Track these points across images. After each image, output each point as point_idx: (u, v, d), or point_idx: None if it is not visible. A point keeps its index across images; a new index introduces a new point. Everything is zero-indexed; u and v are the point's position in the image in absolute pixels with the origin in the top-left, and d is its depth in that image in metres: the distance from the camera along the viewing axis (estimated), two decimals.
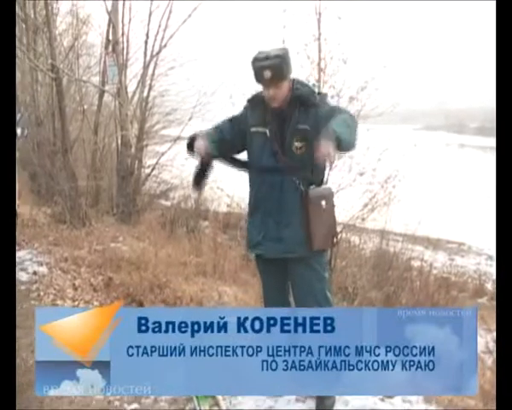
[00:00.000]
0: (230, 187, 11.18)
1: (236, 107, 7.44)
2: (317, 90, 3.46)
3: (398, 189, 7.90)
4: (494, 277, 15.21)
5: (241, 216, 13.43)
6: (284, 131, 3.29)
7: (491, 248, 18.20)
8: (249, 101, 3.47)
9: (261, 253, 3.38)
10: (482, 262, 17.05)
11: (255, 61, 3.24)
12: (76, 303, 5.29)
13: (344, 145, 3.00)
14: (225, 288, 6.26)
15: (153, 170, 11.23)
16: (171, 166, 11.40)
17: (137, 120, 10.67)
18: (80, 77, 11.51)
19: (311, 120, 3.26)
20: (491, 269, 16.20)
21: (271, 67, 3.18)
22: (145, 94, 10.84)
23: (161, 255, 7.15)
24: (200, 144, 3.26)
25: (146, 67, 10.58)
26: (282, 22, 6.62)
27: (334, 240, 3.41)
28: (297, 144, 3.26)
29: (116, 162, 10.56)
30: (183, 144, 10.78)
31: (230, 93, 7.24)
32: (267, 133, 3.30)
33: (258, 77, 3.24)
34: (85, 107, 11.56)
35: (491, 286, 14.32)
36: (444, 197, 21.11)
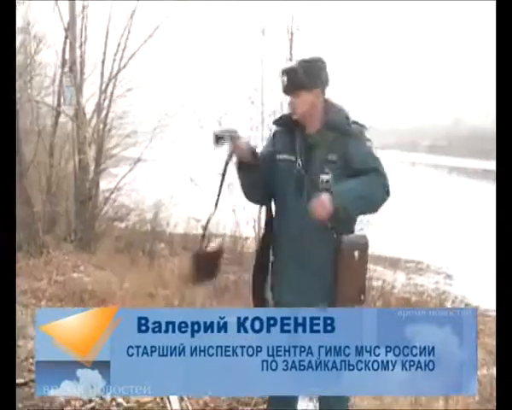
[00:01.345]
0: (190, 208, 10.99)
1: (205, 130, 7.31)
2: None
3: None
4: (453, 296, 15.41)
5: (198, 238, 13.22)
6: (311, 161, 2.95)
7: (449, 266, 18.47)
8: (275, 122, 3.18)
9: (277, 300, 3.06)
10: (441, 281, 17.19)
11: (281, 69, 3.00)
12: None
13: (342, 216, 2.77)
14: None
15: (112, 193, 10.89)
16: (131, 190, 11.08)
17: (96, 143, 10.32)
18: (34, 97, 11.08)
19: (341, 151, 2.91)
20: (451, 288, 16.37)
21: (288, 72, 2.92)
22: (103, 116, 10.52)
23: (126, 287, 6.84)
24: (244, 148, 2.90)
25: (104, 87, 10.26)
26: (253, 43, 6.46)
27: (362, 297, 2.99)
28: (323, 177, 2.90)
29: (73, 186, 10.20)
30: (142, 167, 10.52)
31: (199, 117, 7.01)
32: (293, 162, 2.97)
33: (281, 86, 2.97)
34: (40, 128, 11.12)
35: (450, 305, 14.46)
36: (401, 216, 21.29)
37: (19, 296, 6.11)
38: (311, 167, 2.94)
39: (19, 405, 3.63)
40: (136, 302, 6.08)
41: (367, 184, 2.82)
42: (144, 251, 11.30)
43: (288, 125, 3.07)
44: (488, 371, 7.02)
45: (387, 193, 2.87)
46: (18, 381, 3.81)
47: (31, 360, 4.25)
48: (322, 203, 2.75)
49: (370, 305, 10.21)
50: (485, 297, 14.06)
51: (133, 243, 11.36)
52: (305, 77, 2.92)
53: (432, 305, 13.63)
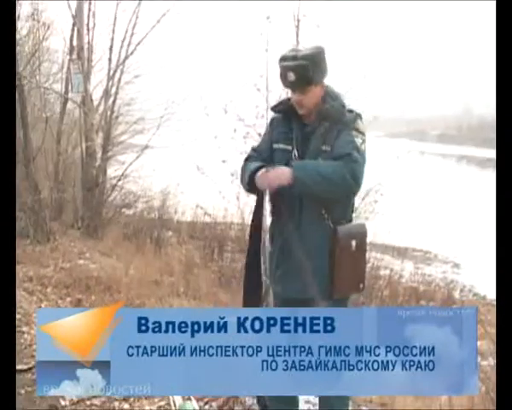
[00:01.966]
0: (197, 196, 10.97)
1: (211, 117, 7.26)
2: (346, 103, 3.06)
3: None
4: (461, 285, 15.34)
5: (205, 226, 13.25)
6: (307, 151, 2.94)
7: (456, 255, 18.37)
8: (273, 108, 3.15)
9: (277, 290, 3.02)
10: (448, 270, 17.14)
11: (281, 60, 2.90)
12: None
13: (299, 189, 2.84)
14: None
15: (119, 181, 10.87)
16: (139, 177, 11.05)
17: (103, 130, 10.28)
18: (42, 84, 11.05)
19: (332, 140, 2.90)
20: (458, 277, 16.31)
21: (295, 69, 2.84)
22: (110, 103, 10.47)
23: (131, 274, 6.83)
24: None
25: (112, 74, 10.22)
26: (258, 29, 6.37)
27: (361, 286, 3.03)
28: None
29: (81, 173, 10.18)
30: (149, 154, 10.49)
31: (205, 104, 6.95)
32: (289, 151, 2.97)
33: (283, 79, 2.91)
34: (48, 115, 11.09)
35: (458, 295, 14.38)
36: (408, 205, 21.23)
37: (25, 283, 6.13)
38: (306, 157, 2.93)
39: (21, 391, 3.64)
40: (141, 289, 6.07)
41: (331, 166, 2.83)
42: (152, 238, 11.31)
43: (286, 112, 3.04)
44: (494, 361, 7.01)
45: (355, 180, 2.86)
46: (21, 367, 3.84)
47: (34, 347, 4.22)
48: (279, 172, 2.83)
49: (377, 294, 10.20)
50: (493, 287, 14.02)
51: (141, 230, 11.37)
52: (313, 73, 2.88)
53: (440, 294, 13.59)
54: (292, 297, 2.99)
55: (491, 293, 13.95)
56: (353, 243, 2.93)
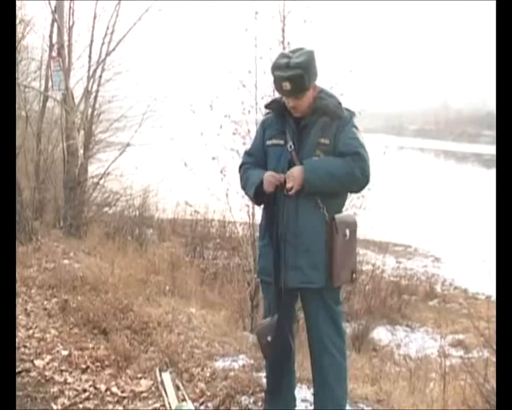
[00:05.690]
0: (181, 193, 10.91)
1: (197, 114, 7.17)
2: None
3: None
4: (442, 279, 15.48)
5: (186, 222, 13.20)
6: (303, 143, 3.02)
7: (437, 249, 18.52)
8: (267, 106, 3.28)
9: (275, 281, 3.04)
10: (429, 264, 17.27)
11: (275, 69, 2.97)
12: (31, 332, 4.73)
13: (307, 189, 2.93)
14: (191, 309, 5.88)
15: (101, 179, 10.74)
16: (121, 175, 10.92)
17: (84, 128, 10.14)
18: (21, 81, 10.86)
19: (331, 134, 2.99)
20: (439, 271, 16.44)
21: (291, 79, 2.91)
22: (91, 100, 10.33)
23: (117, 273, 6.74)
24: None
25: (92, 71, 10.08)
26: (243, 25, 6.31)
27: (354, 276, 3.08)
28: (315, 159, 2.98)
29: (62, 172, 10.03)
30: (131, 152, 10.30)
31: (190, 101, 6.88)
32: (283, 145, 3.05)
33: (278, 87, 3.00)
34: (28, 113, 10.90)
35: (440, 288, 14.52)
36: (388, 200, 21.33)
37: None
38: (303, 150, 3.01)
39: None
40: (128, 290, 5.98)
41: (340, 165, 2.93)
42: (133, 236, 11.24)
43: (279, 111, 3.13)
44: (479, 353, 7.07)
45: (365, 176, 2.96)
46: None
47: (22, 350, 4.09)
48: (294, 174, 2.92)
49: (361, 288, 10.23)
50: (473, 280, 14.17)
51: (122, 228, 11.29)
52: (309, 79, 2.96)
53: (422, 288, 13.70)
54: (291, 286, 3.03)
55: (471, 286, 14.12)
56: (347, 231, 3.00)
